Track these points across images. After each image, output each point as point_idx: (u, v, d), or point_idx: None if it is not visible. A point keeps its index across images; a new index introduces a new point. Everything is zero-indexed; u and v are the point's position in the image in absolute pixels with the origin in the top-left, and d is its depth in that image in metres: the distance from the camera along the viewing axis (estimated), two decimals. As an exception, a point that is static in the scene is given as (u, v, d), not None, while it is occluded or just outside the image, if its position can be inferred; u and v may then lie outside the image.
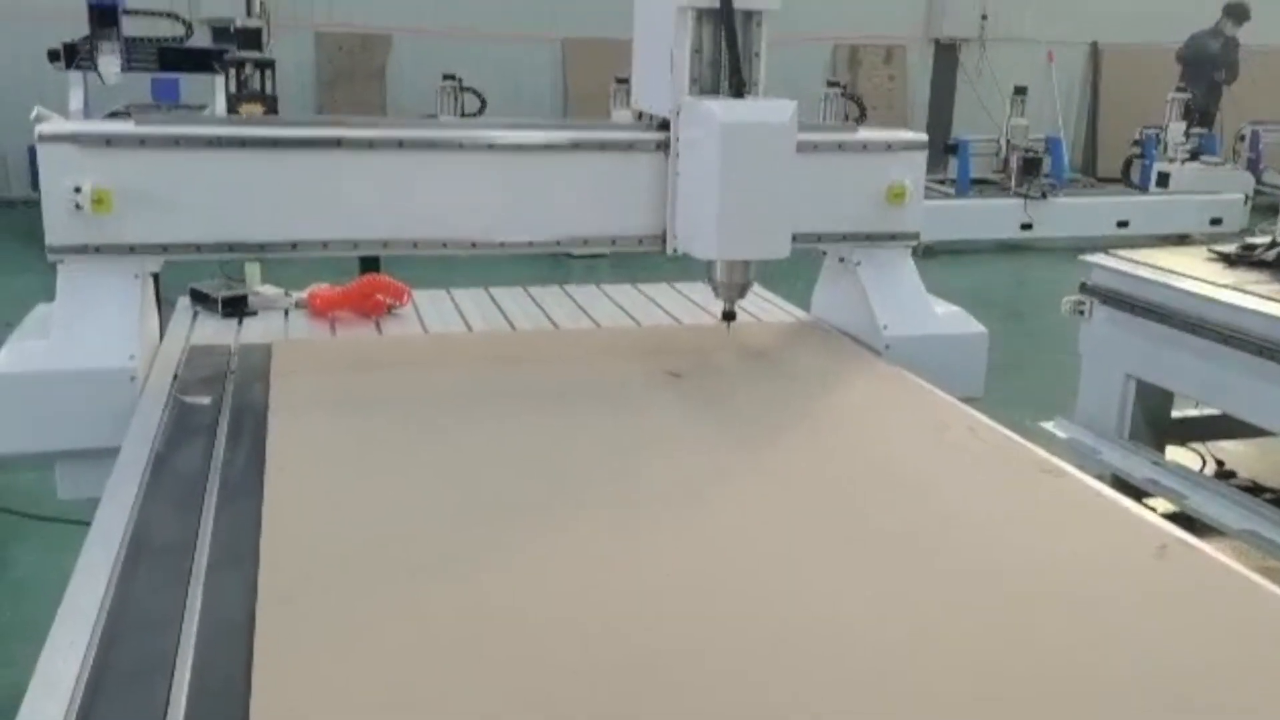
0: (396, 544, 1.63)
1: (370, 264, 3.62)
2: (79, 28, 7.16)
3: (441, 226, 2.55)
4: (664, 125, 2.51)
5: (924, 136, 2.86)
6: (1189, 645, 1.42)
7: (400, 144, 2.49)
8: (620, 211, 2.61)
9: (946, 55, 14.50)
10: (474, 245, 2.59)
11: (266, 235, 2.46)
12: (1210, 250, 4.13)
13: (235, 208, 2.41)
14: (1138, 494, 3.50)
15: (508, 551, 1.62)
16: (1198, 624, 1.47)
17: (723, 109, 2.29)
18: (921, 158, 2.84)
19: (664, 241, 2.60)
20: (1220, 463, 4.10)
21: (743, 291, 2.52)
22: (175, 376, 2.45)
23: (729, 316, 2.58)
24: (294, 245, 2.48)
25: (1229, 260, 3.96)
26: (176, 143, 2.37)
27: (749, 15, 2.37)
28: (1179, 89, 11.29)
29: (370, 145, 2.47)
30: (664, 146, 2.53)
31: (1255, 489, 3.77)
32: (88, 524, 1.83)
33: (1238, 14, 12.06)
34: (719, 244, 2.37)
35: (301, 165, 2.45)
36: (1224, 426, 4.06)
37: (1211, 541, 1.85)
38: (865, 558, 1.63)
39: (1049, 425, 4.15)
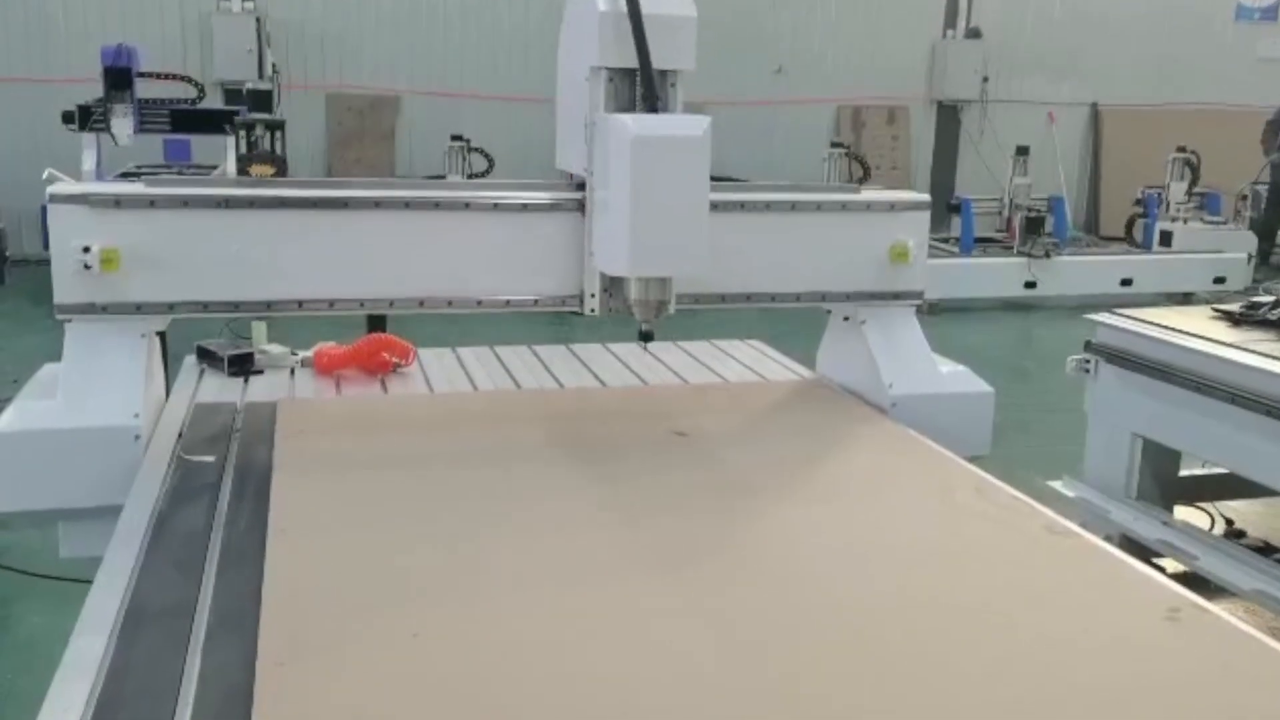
0: (397, 608, 1.62)
1: (377, 323, 3.63)
2: (93, 90, 7.27)
3: (446, 285, 2.55)
4: (583, 185, 2.49)
5: (926, 197, 2.88)
6: (1204, 709, 1.39)
7: (407, 204, 2.51)
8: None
9: (948, 116, 14.65)
10: (479, 303, 2.60)
11: (273, 294, 2.47)
12: (1215, 309, 4.12)
13: (243, 267, 2.43)
14: (1147, 554, 3.47)
15: (511, 617, 1.61)
16: (1212, 688, 1.45)
17: (635, 123, 2.25)
18: (924, 218, 2.85)
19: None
20: (1229, 521, 4.06)
21: (660, 310, 2.44)
22: (180, 435, 2.45)
23: (646, 337, 2.52)
24: (300, 304, 2.49)
25: (1234, 319, 3.96)
26: (185, 203, 2.39)
27: (663, 74, 2.34)
28: (1179, 148, 11.36)
29: (376, 205, 2.49)
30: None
31: (1265, 549, 3.74)
32: (90, 582, 1.82)
33: None
34: (631, 260, 2.31)
35: (308, 225, 2.46)
36: (1232, 485, 4.03)
37: (1221, 602, 1.83)
38: (871, 624, 1.61)
39: (1056, 485, 4.12)
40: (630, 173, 2.24)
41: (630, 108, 2.33)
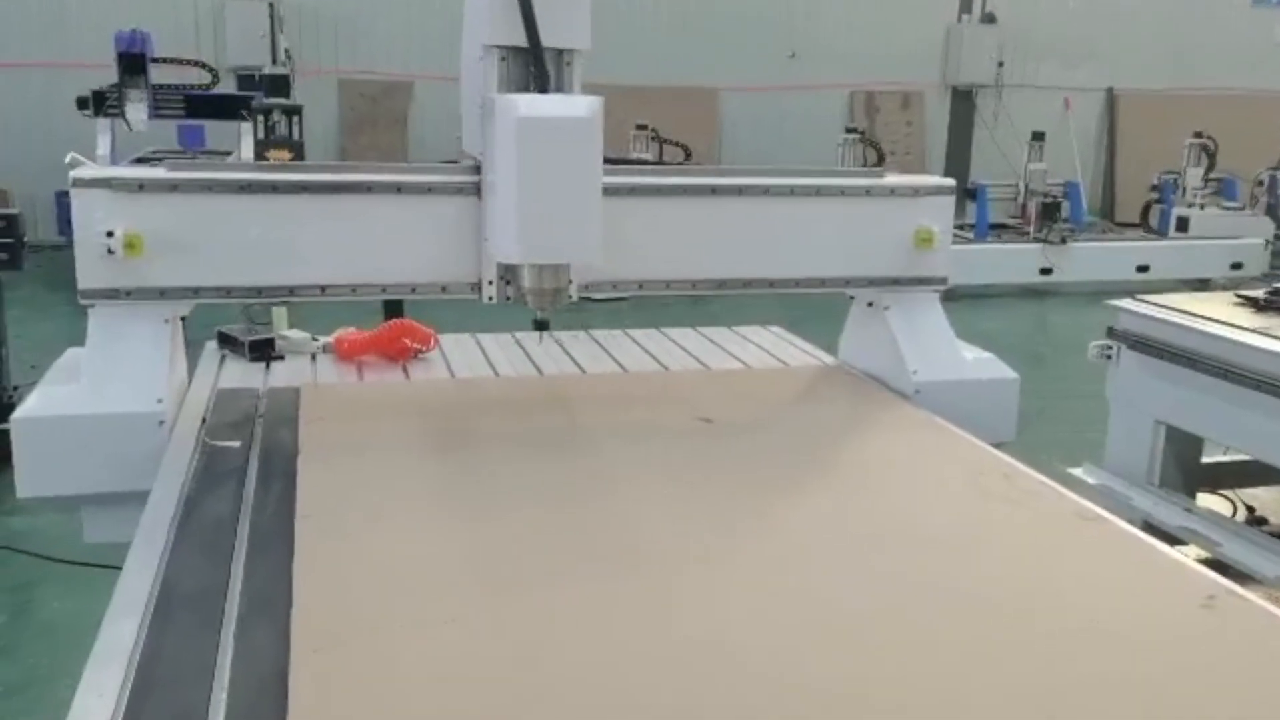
0: (430, 593, 1.61)
1: (394, 308, 3.62)
2: (107, 76, 7.28)
3: (469, 270, 2.54)
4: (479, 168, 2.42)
5: (951, 181, 2.86)
6: (1243, 697, 1.38)
7: (429, 189, 2.49)
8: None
9: (963, 101, 14.59)
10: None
11: (296, 279, 2.46)
12: (1238, 295, 4.09)
13: (265, 252, 2.42)
14: (1169, 541, 3.45)
15: (545, 602, 1.60)
16: (1251, 675, 1.43)
17: (521, 103, 2.16)
18: (949, 203, 2.83)
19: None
20: (1251, 509, 4.04)
21: (557, 299, 2.37)
22: (203, 420, 2.44)
23: (540, 326, 2.48)
24: (323, 289, 2.48)
25: (1257, 305, 3.93)
26: (208, 188, 2.38)
27: (559, 53, 2.26)
28: (1196, 133, 11.29)
29: (399, 190, 2.48)
30: None
31: (1288, 536, 3.71)
32: (110, 567, 1.82)
33: None
34: (520, 246, 2.23)
35: (331, 210, 2.45)
36: (1254, 472, 4.01)
37: (1248, 589, 1.81)
38: (903, 609, 1.60)
39: (1077, 471, 4.10)
40: (516, 155, 2.16)
41: (528, 88, 2.25)
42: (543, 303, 2.37)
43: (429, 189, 2.47)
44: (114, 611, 1.60)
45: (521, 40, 2.20)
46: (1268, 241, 10.80)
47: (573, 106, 2.20)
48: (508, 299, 2.46)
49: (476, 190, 2.44)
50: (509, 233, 2.22)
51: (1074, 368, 4.86)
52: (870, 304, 2.88)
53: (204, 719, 1.31)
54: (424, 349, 3.01)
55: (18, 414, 2.28)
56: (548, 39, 2.21)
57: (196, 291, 2.42)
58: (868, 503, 2.04)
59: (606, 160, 2.26)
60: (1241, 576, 3.38)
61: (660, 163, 9.43)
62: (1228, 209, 11.35)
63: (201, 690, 1.37)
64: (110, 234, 2.29)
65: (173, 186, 2.36)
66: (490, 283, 2.47)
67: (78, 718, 1.33)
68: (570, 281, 2.41)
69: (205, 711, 1.32)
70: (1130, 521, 2.01)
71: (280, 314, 3.09)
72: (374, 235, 2.46)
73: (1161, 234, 11.31)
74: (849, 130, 10.38)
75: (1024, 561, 1.78)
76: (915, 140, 14.37)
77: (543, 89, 2.21)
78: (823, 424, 2.54)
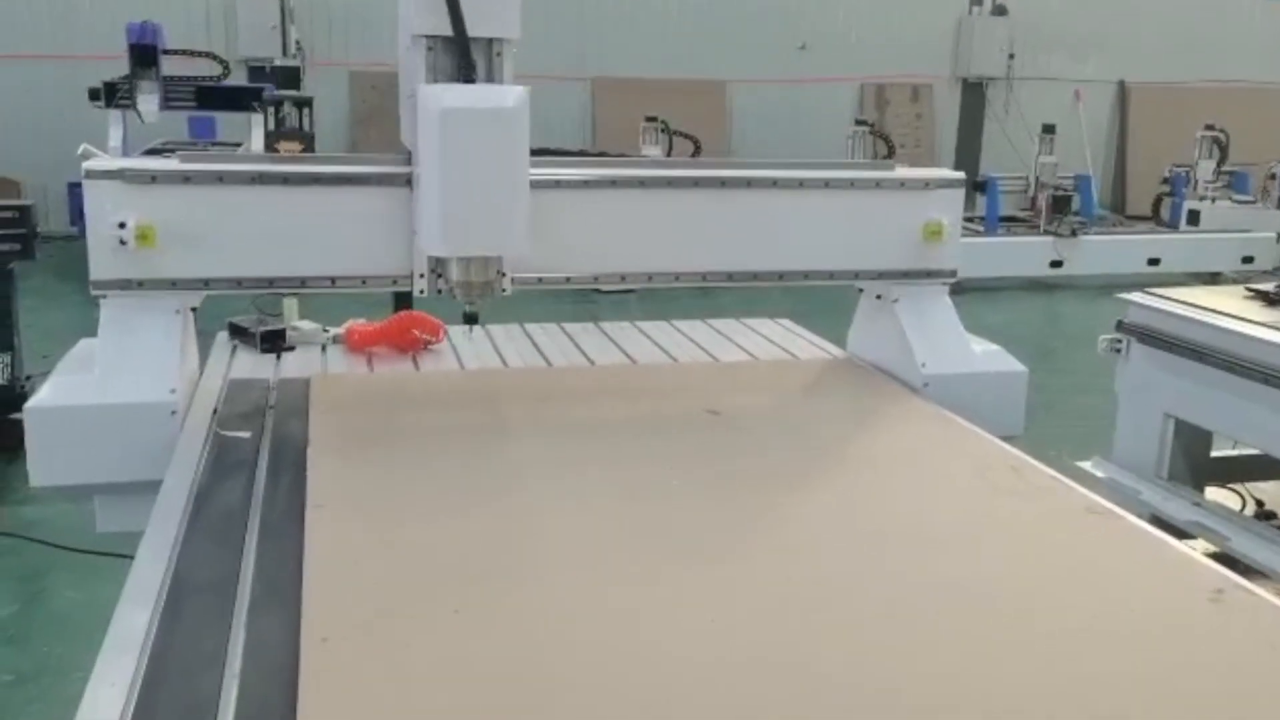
0: (438, 584, 1.62)
1: (403, 300, 3.63)
2: (118, 67, 7.29)
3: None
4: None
5: (961, 175, 2.85)
6: (1252, 691, 1.38)
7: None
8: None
9: (973, 94, 14.54)
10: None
11: (308, 270, 2.47)
12: (1248, 289, 4.08)
13: (277, 243, 2.43)
14: (1178, 534, 3.45)
15: (552, 593, 1.61)
16: (1260, 669, 1.43)
17: (445, 94, 2.15)
18: (958, 196, 2.83)
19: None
20: (1260, 503, 4.03)
21: (486, 291, 2.35)
22: (215, 411, 2.46)
23: (470, 319, 2.46)
24: (334, 280, 2.49)
25: (1268, 299, 3.92)
26: (220, 179, 2.39)
27: (489, 43, 2.23)
28: (1207, 126, 11.23)
29: (408, 182, 2.48)
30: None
31: (1297, 531, 3.70)
32: (122, 556, 1.83)
33: None
34: (445, 239, 2.23)
35: (343, 201, 2.46)
36: (1264, 466, 4.00)
37: (1256, 583, 1.81)
38: (910, 602, 1.60)
39: (1086, 465, 4.10)
40: (440, 146, 2.15)
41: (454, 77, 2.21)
42: (471, 295, 2.35)
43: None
44: (126, 601, 1.61)
45: (449, 30, 2.16)
46: (1279, 235, 10.74)
47: (498, 97, 2.18)
48: (439, 292, 2.43)
49: (408, 182, 2.41)
50: (434, 225, 2.22)
51: (1083, 361, 4.85)
52: (879, 297, 2.88)
53: (215, 708, 1.32)
54: (434, 340, 3.02)
55: (31, 403, 2.29)
56: (476, 29, 2.18)
57: (207, 283, 2.43)
58: (876, 496, 2.04)
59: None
60: (1250, 571, 3.38)
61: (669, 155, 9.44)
62: (1239, 202, 11.28)
63: (213, 679, 1.38)
64: (122, 225, 2.30)
65: (185, 178, 2.37)
66: (422, 275, 2.44)
67: (90, 707, 1.34)
68: (503, 274, 2.39)
69: (216, 700, 1.34)
70: (1139, 515, 2.01)
71: (291, 305, 3.11)
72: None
73: (1172, 227, 11.26)
74: (859, 123, 10.33)
75: (1032, 555, 1.78)
76: (925, 133, 14.33)
77: (468, 79, 2.18)
78: (831, 416, 2.54)
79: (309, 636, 1.44)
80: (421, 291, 2.45)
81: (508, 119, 2.17)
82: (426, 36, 2.20)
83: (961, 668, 1.43)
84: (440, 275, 2.42)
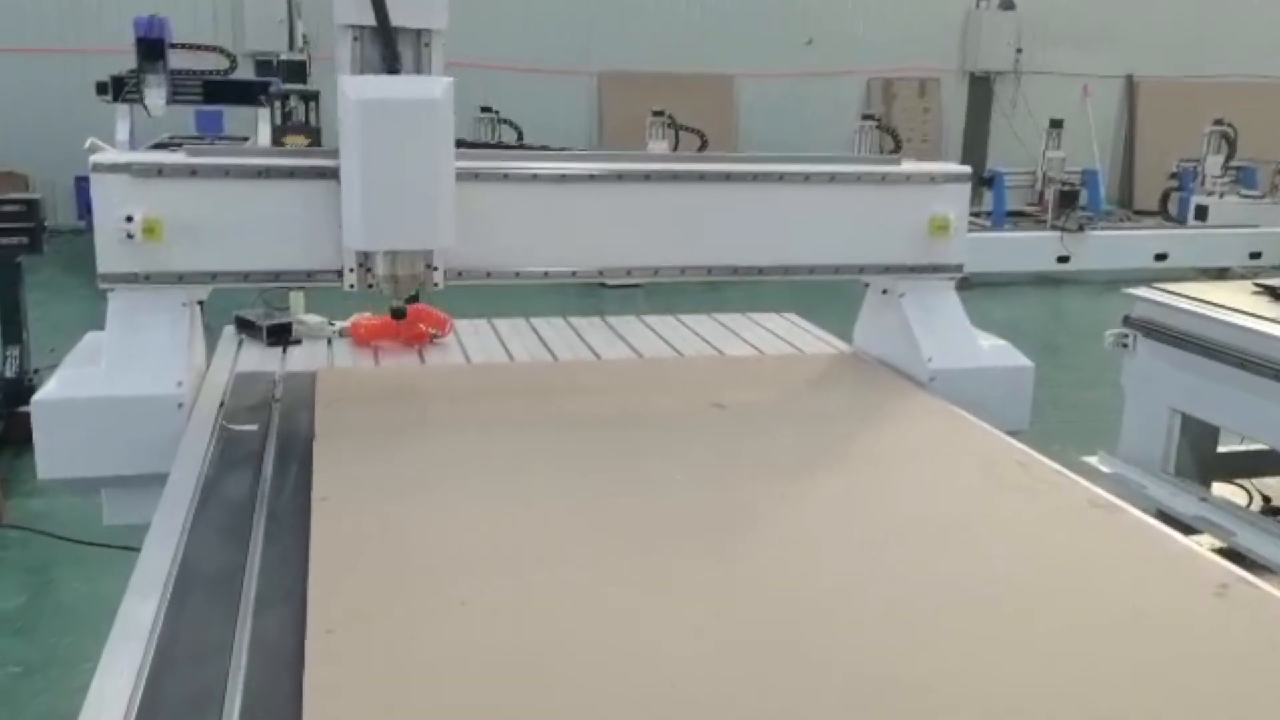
0: (443, 576, 1.63)
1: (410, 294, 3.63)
2: (125, 61, 7.30)
3: (485, 255, 2.54)
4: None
5: (967, 169, 2.85)
6: (1256, 685, 1.38)
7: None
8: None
9: (981, 88, 14.50)
10: (517, 275, 2.59)
11: (314, 264, 2.47)
12: (1256, 284, 4.07)
13: (283, 237, 2.43)
14: (1184, 529, 3.45)
15: (557, 586, 1.61)
16: (1264, 664, 1.43)
17: (364, 85, 2.11)
18: (965, 190, 2.82)
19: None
20: (1266, 498, 4.03)
21: (415, 284, 2.31)
22: (222, 404, 2.46)
23: (397, 314, 2.44)
24: (340, 274, 2.49)
25: (1275, 294, 3.91)
26: (227, 173, 2.39)
27: (417, 34, 2.20)
28: (1216, 121, 11.20)
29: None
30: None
31: (1303, 526, 3.70)
32: (129, 549, 1.83)
33: None
34: (365, 233, 2.19)
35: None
36: (1270, 462, 3.99)
37: (1262, 579, 1.81)
38: (916, 597, 1.61)
39: (1092, 460, 4.10)
40: (360, 138, 2.11)
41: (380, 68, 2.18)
42: (398, 291, 2.33)
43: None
44: (133, 593, 1.62)
45: (372, 20, 2.14)
46: (1288, 230, 10.71)
47: (422, 88, 2.15)
48: (370, 286, 2.40)
49: (336, 174, 2.35)
50: (355, 219, 2.19)
51: (1090, 356, 4.85)
52: (885, 291, 2.88)
53: (221, 699, 1.33)
54: (440, 333, 3.02)
55: (38, 396, 2.30)
56: (402, 19, 2.16)
57: (214, 276, 2.43)
58: (881, 490, 2.04)
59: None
60: (1256, 566, 3.38)
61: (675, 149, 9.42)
62: (1247, 197, 11.24)
63: (219, 670, 1.38)
64: (130, 219, 2.30)
65: (192, 171, 2.37)
66: (351, 270, 2.40)
67: (97, 697, 1.35)
68: (433, 268, 2.36)
69: (222, 692, 1.34)
70: (1144, 510, 2.01)
71: (297, 299, 3.11)
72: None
73: (1180, 222, 11.22)
74: (866, 117, 10.31)
75: (1037, 549, 1.78)
76: (932, 127, 14.30)
77: (392, 70, 2.15)
78: (836, 411, 2.54)
79: (314, 628, 1.45)
80: (352, 286, 2.40)
81: (432, 110, 2.14)
82: (352, 26, 2.17)
83: (965, 660, 1.43)
84: (369, 270, 2.37)
